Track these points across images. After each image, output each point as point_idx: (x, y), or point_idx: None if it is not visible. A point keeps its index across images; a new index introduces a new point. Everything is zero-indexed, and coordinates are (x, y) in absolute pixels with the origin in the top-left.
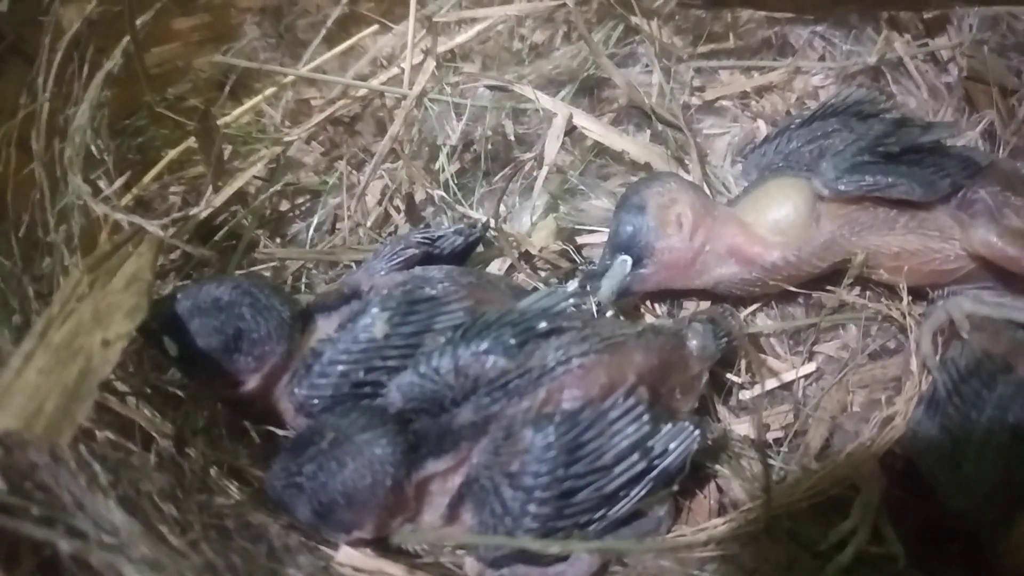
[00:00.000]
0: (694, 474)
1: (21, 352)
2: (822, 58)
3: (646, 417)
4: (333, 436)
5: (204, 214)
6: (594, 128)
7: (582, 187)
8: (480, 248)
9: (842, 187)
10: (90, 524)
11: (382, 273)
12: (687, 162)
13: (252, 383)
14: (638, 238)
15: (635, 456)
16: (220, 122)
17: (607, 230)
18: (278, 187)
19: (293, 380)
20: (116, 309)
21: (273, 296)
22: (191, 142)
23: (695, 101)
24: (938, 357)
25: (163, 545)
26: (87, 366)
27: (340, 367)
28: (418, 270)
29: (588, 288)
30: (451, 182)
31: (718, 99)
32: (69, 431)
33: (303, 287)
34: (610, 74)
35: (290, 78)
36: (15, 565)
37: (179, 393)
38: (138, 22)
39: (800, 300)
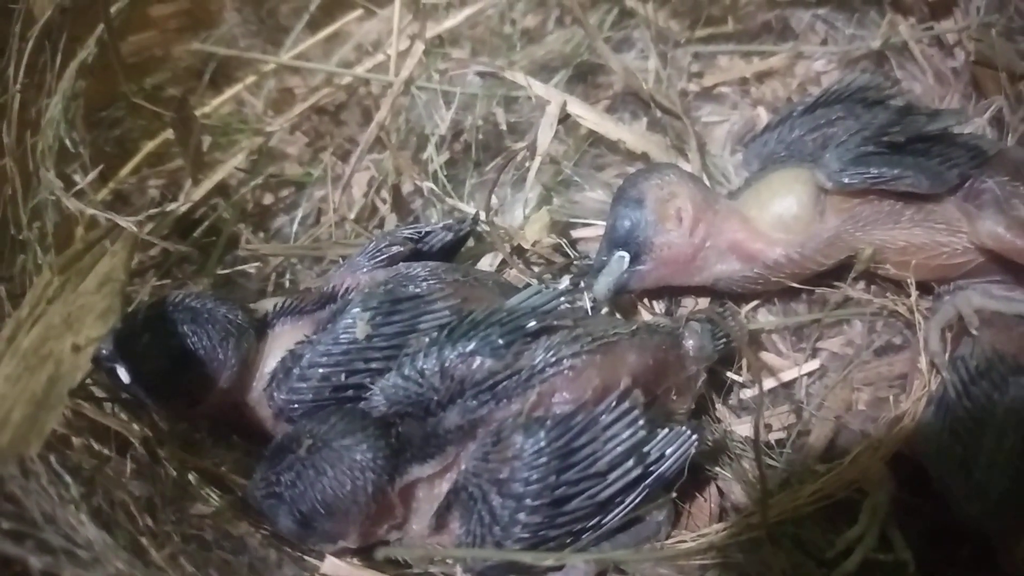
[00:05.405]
0: (694, 477)
1: None
2: (824, 42)
3: (641, 421)
4: (311, 442)
5: (183, 208)
6: (589, 116)
7: (576, 178)
8: (470, 243)
9: (846, 180)
10: (61, 538)
11: (364, 271)
12: (686, 151)
13: (211, 399)
14: (636, 233)
15: (630, 462)
16: (199, 112)
17: (603, 223)
18: (260, 179)
19: (272, 385)
20: (88, 312)
21: (217, 308)
22: (169, 134)
23: (693, 87)
24: (947, 355)
25: (139, 559)
26: (56, 372)
27: (321, 370)
28: (402, 267)
29: (583, 285)
30: (440, 173)
31: (717, 85)
32: (37, 442)
33: (287, 283)
34: (606, 59)
35: (272, 66)
36: None
37: None
38: (113, 9)
39: (803, 295)
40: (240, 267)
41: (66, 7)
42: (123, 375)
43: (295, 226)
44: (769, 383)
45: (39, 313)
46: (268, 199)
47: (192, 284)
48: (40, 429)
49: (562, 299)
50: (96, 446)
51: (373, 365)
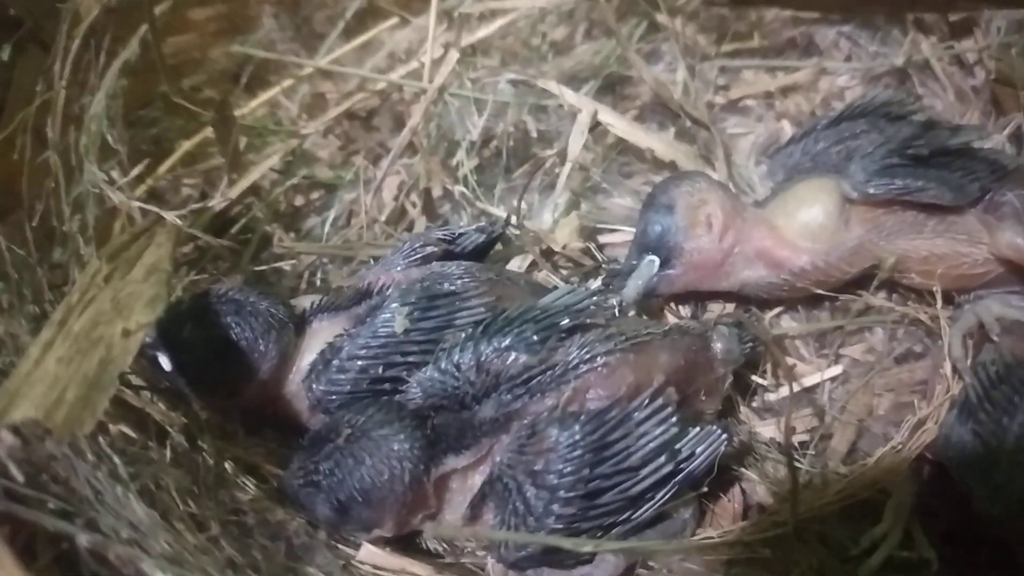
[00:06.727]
0: (718, 477)
1: (40, 341)
2: (848, 59)
3: (674, 419)
4: (349, 432)
5: (219, 206)
6: (619, 125)
7: (605, 185)
8: (499, 246)
9: (872, 190)
10: (109, 517)
11: (399, 269)
12: (713, 161)
13: (249, 390)
14: (666, 238)
15: (662, 458)
16: (236, 113)
17: (629, 229)
18: (294, 181)
19: (310, 377)
20: (136, 299)
21: (260, 301)
22: (207, 133)
23: (719, 100)
24: (969, 361)
25: (183, 540)
26: (107, 356)
27: (359, 362)
28: (436, 266)
29: (612, 287)
30: (470, 178)
31: (742, 98)
32: (90, 421)
33: (319, 282)
34: (637, 68)
35: (307, 71)
36: (32, 559)
37: None
38: (156, 11)
39: (826, 303)
40: (274, 264)
41: (111, 8)
42: (165, 363)
43: (326, 227)
44: (792, 387)
45: (89, 299)
46: (300, 200)
47: (226, 280)
48: (93, 409)
49: (594, 299)
50: (135, 434)
51: (410, 359)
